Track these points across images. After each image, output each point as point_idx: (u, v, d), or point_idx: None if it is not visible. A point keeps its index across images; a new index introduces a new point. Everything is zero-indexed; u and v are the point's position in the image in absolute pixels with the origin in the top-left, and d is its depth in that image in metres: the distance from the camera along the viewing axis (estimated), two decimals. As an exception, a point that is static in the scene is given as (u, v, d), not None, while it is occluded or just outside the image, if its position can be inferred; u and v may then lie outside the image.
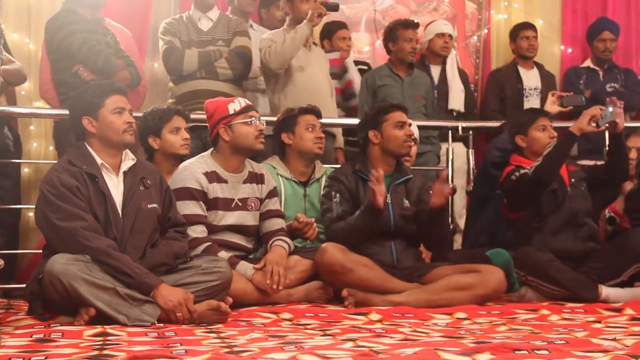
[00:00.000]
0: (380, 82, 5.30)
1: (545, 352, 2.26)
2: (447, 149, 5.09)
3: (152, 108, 4.18)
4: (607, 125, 4.12)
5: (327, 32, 5.70)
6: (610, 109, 4.09)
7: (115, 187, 3.35)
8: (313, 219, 3.99)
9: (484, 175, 4.46)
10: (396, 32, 5.34)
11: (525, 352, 2.27)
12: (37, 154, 5.31)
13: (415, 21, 5.49)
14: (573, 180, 4.15)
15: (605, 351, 2.24)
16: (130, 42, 4.96)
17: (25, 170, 5.16)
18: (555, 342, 2.49)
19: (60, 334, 2.83)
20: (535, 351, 2.27)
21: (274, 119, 4.52)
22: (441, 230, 3.99)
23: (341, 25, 5.67)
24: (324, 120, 4.41)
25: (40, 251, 3.54)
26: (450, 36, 5.70)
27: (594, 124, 4.03)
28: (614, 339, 2.54)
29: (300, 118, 4.21)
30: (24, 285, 3.63)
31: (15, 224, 4.87)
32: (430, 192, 3.83)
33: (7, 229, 4.74)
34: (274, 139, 4.35)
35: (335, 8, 4.86)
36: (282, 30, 4.94)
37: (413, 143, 4.47)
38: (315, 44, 5.15)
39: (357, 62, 5.79)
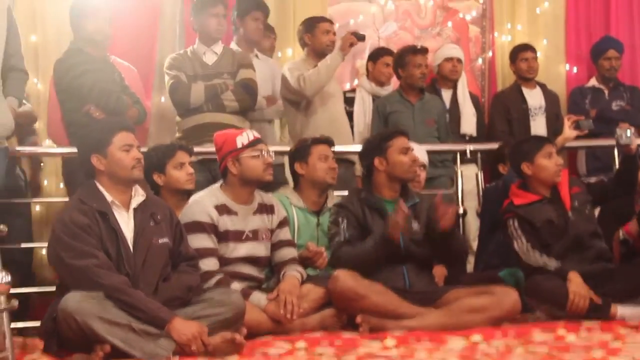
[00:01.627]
0: (391, 108, 5.33)
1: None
2: (456, 172, 5.09)
3: (155, 145, 4.20)
4: (627, 144, 4.24)
5: (373, 55, 5.75)
6: (629, 133, 4.21)
7: (126, 223, 3.36)
8: (323, 248, 3.99)
9: (500, 199, 4.43)
10: (405, 58, 5.39)
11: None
12: (49, 191, 5.35)
13: (422, 46, 5.53)
14: (576, 203, 4.15)
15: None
16: (136, 78, 4.99)
17: (37, 208, 5.18)
18: (573, 363, 2.48)
19: (77, 372, 2.83)
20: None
21: (278, 148, 4.65)
22: (457, 247, 4.00)
23: (387, 52, 5.71)
24: (342, 149, 4.47)
25: (54, 288, 3.55)
26: (460, 60, 5.75)
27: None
28: (633, 358, 2.52)
29: (313, 148, 4.24)
30: (38, 323, 3.65)
31: (28, 262, 4.89)
32: (437, 217, 3.83)
33: (20, 267, 4.75)
34: (289, 168, 4.39)
35: (363, 38, 5.06)
36: (301, 60, 5.09)
37: (422, 168, 4.50)
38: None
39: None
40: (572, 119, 4.77)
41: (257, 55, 5.37)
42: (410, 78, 5.38)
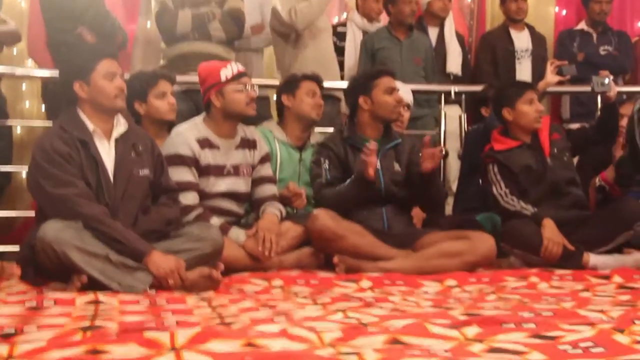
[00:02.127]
0: (378, 44, 5.30)
1: (532, 325, 2.29)
2: (440, 113, 5.09)
3: (137, 72, 4.15)
4: (602, 91, 4.28)
5: None
6: (607, 80, 4.21)
7: (107, 153, 3.33)
8: (303, 190, 4.02)
9: (481, 143, 4.45)
10: None
11: (513, 325, 2.29)
12: (30, 113, 5.31)
13: None
14: (555, 150, 4.17)
15: (591, 324, 2.27)
16: (117, 2, 4.88)
17: (17, 131, 5.14)
18: (543, 314, 2.52)
19: (53, 301, 2.83)
20: (523, 324, 2.29)
21: (264, 81, 4.70)
22: (435, 192, 4.02)
23: None
24: (328, 85, 4.44)
25: (33, 213, 3.54)
26: None
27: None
28: (601, 311, 2.57)
29: (302, 82, 4.24)
30: (17, 248, 3.67)
31: (4, 185, 4.87)
32: (421, 155, 3.84)
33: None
34: (276, 101, 4.38)
35: None
36: None
37: (406, 108, 4.49)
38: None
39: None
40: (555, 64, 4.75)
41: None
42: (399, 14, 5.32)
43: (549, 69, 4.70)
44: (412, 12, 5.33)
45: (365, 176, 3.71)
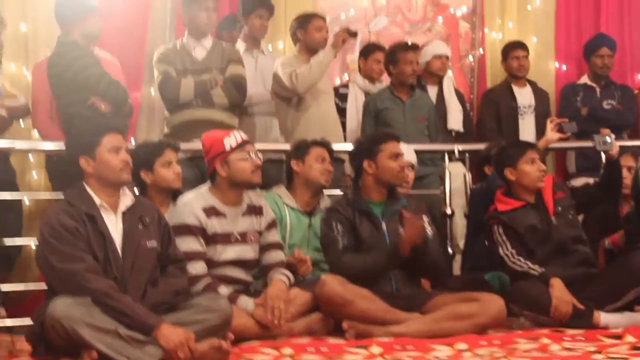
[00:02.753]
0: (381, 105, 5.33)
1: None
2: (444, 171, 5.10)
3: (142, 142, 4.18)
4: (604, 149, 4.32)
5: (364, 52, 5.74)
6: (608, 139, 4.26)
7: (114, 226, 3.35)
8: (308, 257, 4.02)
9: (485, 201, 4.47)
10: (396, 55, 5.39)
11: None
12: (37, 184, 5.33)
13: (412, 43, 5.53)
14: (559, 208, 4.18)
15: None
16: (119, 71, 4.95)
17: (26, 202, 5.16)
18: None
19: (63, 379, 2.84)
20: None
21: (278, 146, 4.75)
22: (430, 263, 3.96)
23: (379, 48, 5.70)
24: (335, 147, 4.47)
25: (43, 285, 3.54)
26: (447, 57, 5.76)
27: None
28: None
29: (312, 148, 4.28)
30: (27, 321, 3.67)
31: (14, 257, 4.87)
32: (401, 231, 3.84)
33: (8, 263, 4.76)
34: (285, 165, 4.42)
35: (355, 35, 5.05)
36: (293, 56, 5.08)
37: (410, 169, 4.51)
38: None
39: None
40: (555, 122, 4.77)
41: (263, 51, 5.39)
42: (401, 75, 5.38)
43: (549, 126, 4.72)
44: (413, 72, 5.39)
45: (401, 250, 3.76)
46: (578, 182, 5.62)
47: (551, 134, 4.70)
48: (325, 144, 4.32)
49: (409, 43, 5.51)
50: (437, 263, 4.03)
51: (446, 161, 5.11)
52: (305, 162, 4.25)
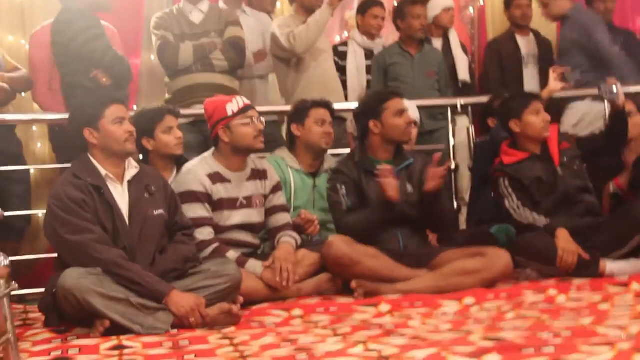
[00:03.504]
0: (390, 60, 5.33)
1: (552, 349, 2.31)
2: (449, 125, 5.10)
3: (142, 109, 4.19)
4: (611, 99, 4.35)
5: (361, 8, 5.70)
6: (614, 88, 4.25)
7: (121, 196, 3.39)
8: (315, 216, 4.05)
9: (489, 154, 4.47)
10: (404, 10, 5.37)
11: (532, 350, 2.32)
12: (42, 154, 5.36)
13: None
14: (565, 159, 4.18)
15: (610, 344, 2.29)
16: (117, 39, 4.92)
17: (31, 171, 5.19)
18: (562, 334, 2.54)
19: (78, 349, 2.88)
20: (542, 348, 2.32)
21: (277, 108, 4.77)
22: (440, 212, 3.97)
23: (377, 3, 5.65)
24: (336, 106, 4.47)
25: (52, 254, 3.59)
26: (451, 8, 5.73)
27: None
28: (620, 327, 2.58)
29: (311, 111, 4.26)
30: (37, 290, 3.77)
31: (24, 228, 4.92)
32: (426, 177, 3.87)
33: (18, 233, 4.81)
34: (286, 129, 4.41)
35: None
36: (290, 16, 5.05)
37: (414, 125, 4.50)
38: None
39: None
40: (558, 71, 4.75)
41: (244, 11, 5.34)
42: (409, 29, 5.35)
43: (552, 76, 4.71)
44: (421, 26, 5.37)
45: (387, 199, 3.74)
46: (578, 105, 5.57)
47: (554, 83, 4.69)
48: (325, 104, 4.31)
49: None
50: (446, 214, 4.04)
51: (449, 115, 5.10)
52: (305, 126, 4.25)
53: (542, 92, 4.71)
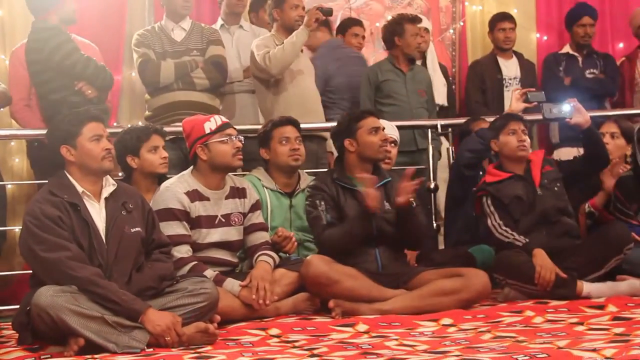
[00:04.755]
0: (383, 77, 5.31)
1: (527, 370, 2.31)
2: (428, 146, 5.11)
3: (129, 127, 4.18)
4: (555, 117, 4.37)
5: (341, 27, 5.69)
6: (566, 106, 4.25)
7: (98, 213, 3.36)
8: (292, 233, 4.03)
9: (458, 176, 4.54)
10: (403, 26, 5.33)
11: (507, 371, 2.31)
12: (19, 169, 5.32)
13: (417, 16, 5.52)
14: (545, 181, 4.22)
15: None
16: (98, 56, 4.92)
17: (8, 186, 5.15)
18: (537, 356, 2.54)
19: (51, 368, 2.86)
20: (517, 370, 2.32)
21: (257, 126, 4.68)
22: (415, 228, 3.97)
23: (356, 22, 5.64)
24: (313, 125, 4.47)
25: (29, 272, 3.55)
26: (427, 30, 5.74)
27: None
28: (594, 350, 2.59)
29: (274, 132, 4.26)
30: (12, 307, 3.73)
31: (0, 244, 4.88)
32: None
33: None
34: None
35: (329, 13, 5.01)
36: (270, 36, 5.02)
37: (393, 145, 4.52)
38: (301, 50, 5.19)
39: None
40: (521, 91, 4.73)
41: (242, 26, 5.36)
42: (407, 47, 5.34)
43: (514, 96, 4.67)
44: (418, 45, 5.38)
45: (367, 208, 3.76)
46: (561, 152, 5.64)
47: (516, 104, 4.61)
48: (287, 122, 4.30)
49: (415, 15, 5.48)
50: (419, 230, 4.04)
51: (429, 136, 5.12)
52: (271, 148, 4.25)
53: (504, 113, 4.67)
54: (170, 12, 4.94)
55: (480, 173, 4.71)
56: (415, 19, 5.41)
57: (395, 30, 5.37)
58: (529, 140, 4.28)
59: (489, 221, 4.15)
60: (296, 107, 4.73)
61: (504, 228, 4.09)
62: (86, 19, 5.16)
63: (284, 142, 4.23)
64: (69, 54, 4.52)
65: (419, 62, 5.72)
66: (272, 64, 4.78)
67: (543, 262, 3.92)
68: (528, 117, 4.66)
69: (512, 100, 4.61)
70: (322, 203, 3.97)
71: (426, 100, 5.41)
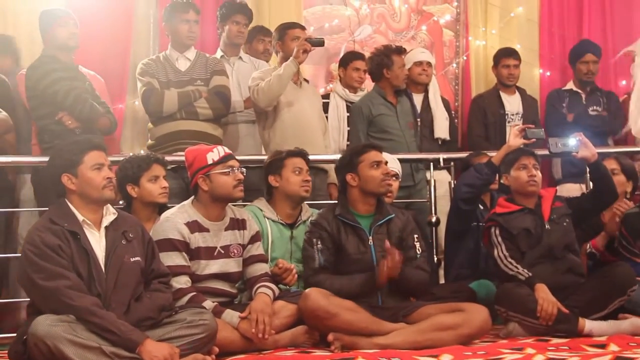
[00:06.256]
0: (376, 111, 5.26)
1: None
2: (430, 180, 5.09)
3: (130, 156, 4.19)
4: (561, 152, 4.33)
5: (343, 61, 5.71)
6: (573, 140, 4.25)
7: (98, 242, 3.35)
8: (293, 265, 4.01)
9: (455, 211, 4.54)
10: (391, 58, 5.31)
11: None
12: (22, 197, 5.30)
13: (402, 47, 5.51)
14: (555, 216, 4.20)
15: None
16: (104, 87, 4.95)
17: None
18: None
19: (46, 399, 2.83)
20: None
21: (260, 157, 4.70)
22: (408, 286, 3.97)
23: (358, 56, 5.66)
24: (315, 157, 4.45)
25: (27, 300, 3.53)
26: (429, 64, 5.72)
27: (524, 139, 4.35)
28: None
29: (287, 161, 4.25)
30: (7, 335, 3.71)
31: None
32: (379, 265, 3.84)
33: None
34: (263, 180, 4.37)
35: (321, 43, 4.93)
36: (271, 68, 5.02)
37: (394, 178, 4.50)
38: (306, 80, 5.18)
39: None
40: (520, 127, 4.70)
41: (241, 57, 5.37)
42: (396, 79, 5.32)
43: (512, 132, 4.63)
44: (406, 76, 5.38)
45: (378, 282, 3.79)
46: (564, 188, 5.62)
47: (514, 140, 4.54)
48: (300, 154, 4.30)
49: (394, 47, 5.44)
50: (419, 285, 4.02)
51: (431, 170, 5.10)
52: (282, 177, 4.24)
53: (501, 148, 4.62)
54: (175, 42, 4.96)
55: (481, 207, 4.71)
56: (401, 50, 5.39)
57: (383, 63, 5.32)
58: (540, 175, 4.27)
59: (495, 252, 4.13)
60: (292, 139, 4.70)
61: (509, 260, 4.07)
62: (91, 47, 5.19)
63: (297, 172, 4.23)
64: (53, 83, 4.56)
65: (420, 96, 5.70)
66: (259, 97, 4.79)
67: (546, 296, 3.90)
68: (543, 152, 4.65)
69: (511, 136, 4.54)
70: (319, 242, 3.97)
71: (414, 133, 5.40)
